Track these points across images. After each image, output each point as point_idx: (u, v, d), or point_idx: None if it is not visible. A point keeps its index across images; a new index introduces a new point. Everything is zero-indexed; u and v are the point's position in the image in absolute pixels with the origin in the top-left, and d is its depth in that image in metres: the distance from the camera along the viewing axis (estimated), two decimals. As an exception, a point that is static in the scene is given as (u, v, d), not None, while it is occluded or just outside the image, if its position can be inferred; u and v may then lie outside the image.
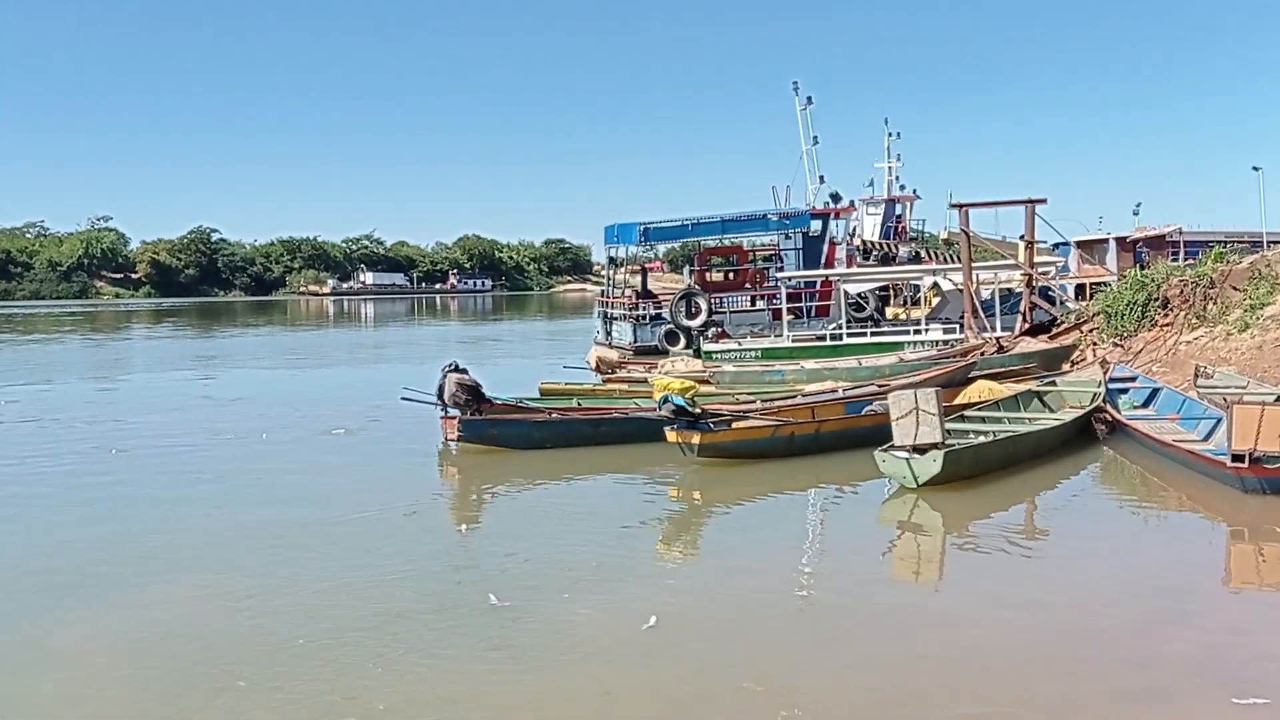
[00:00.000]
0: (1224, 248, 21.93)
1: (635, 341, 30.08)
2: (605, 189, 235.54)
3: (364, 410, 19.08)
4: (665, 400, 12.86)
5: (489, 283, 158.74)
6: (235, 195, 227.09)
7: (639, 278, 34.47)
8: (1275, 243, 26.85)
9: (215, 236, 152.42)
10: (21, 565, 9.25)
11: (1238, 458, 10.21)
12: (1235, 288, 17.82)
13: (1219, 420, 12.13)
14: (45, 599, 8.21)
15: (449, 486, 13.62)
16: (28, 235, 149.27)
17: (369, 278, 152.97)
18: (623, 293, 33.67)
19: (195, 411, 20.23)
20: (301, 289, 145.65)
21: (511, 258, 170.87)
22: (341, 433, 16.70)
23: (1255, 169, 36.23)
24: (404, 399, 15.28)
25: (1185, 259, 26.73)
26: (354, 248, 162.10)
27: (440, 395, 14.75)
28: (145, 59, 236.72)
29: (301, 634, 7.23)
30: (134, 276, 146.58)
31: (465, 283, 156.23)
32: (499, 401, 15.25)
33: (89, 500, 12.04)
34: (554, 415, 15.25)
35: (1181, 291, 18.58)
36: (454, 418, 14.58)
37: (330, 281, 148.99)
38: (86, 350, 42.63)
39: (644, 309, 31.20)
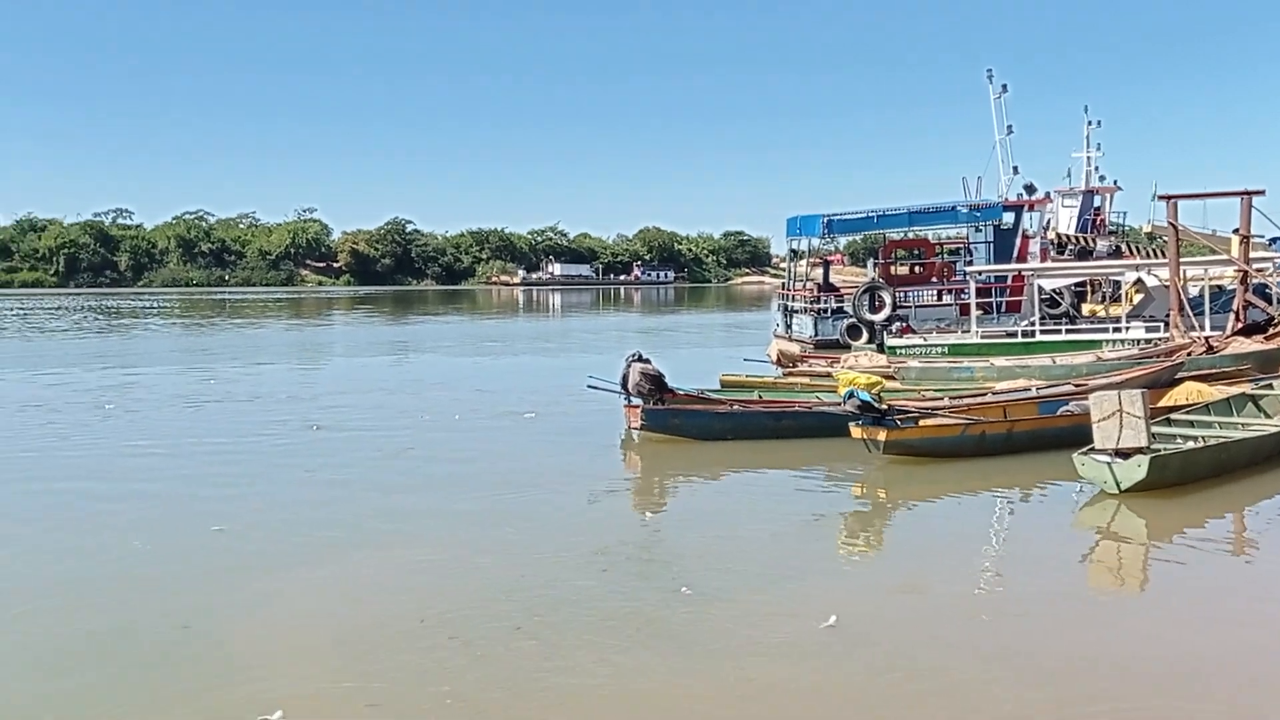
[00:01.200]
0: None
1: (816, 335, 29.77)
2: (784, 181, 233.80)
3: (550, 397, 19.57)
4: (850, 395, 12.65)
5: (671, 274, 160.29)
6: (428, 188, 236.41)
7: (820, 270, 34.06)
8: None
9: (409, 228, 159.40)
10: (245, 534, 9.92)
11: None
12: None
13: None
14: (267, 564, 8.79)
15: (632, 474, 13.81)
16: (241, 225, 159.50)
17: (556, 269, 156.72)
18: (804, 285, 33.36)
19: (391, 394, 21.20)
20: (492, 279, 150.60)
21: (690, 250, 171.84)
22: (532, 416, 17.28)
23: None
24: (589, 387, 15.59)
25: None
26: (539, 239, 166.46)
27: (624, 384, 14.97)
28: (336, 50, 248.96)
29: (483, 612, 7.48)
30: (335, 265, 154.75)
31: (648, 274, 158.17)
32: (681, 392, 15.36)
33: (295, 479, 12.79)
34: (735, 407, 15.25)
35: None
36: (637, 406, 14.77)
37: (520, 272, 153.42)
38: (290, 334, 45.29)
39: (826, 302, 30.84)
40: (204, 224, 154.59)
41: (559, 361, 30.57)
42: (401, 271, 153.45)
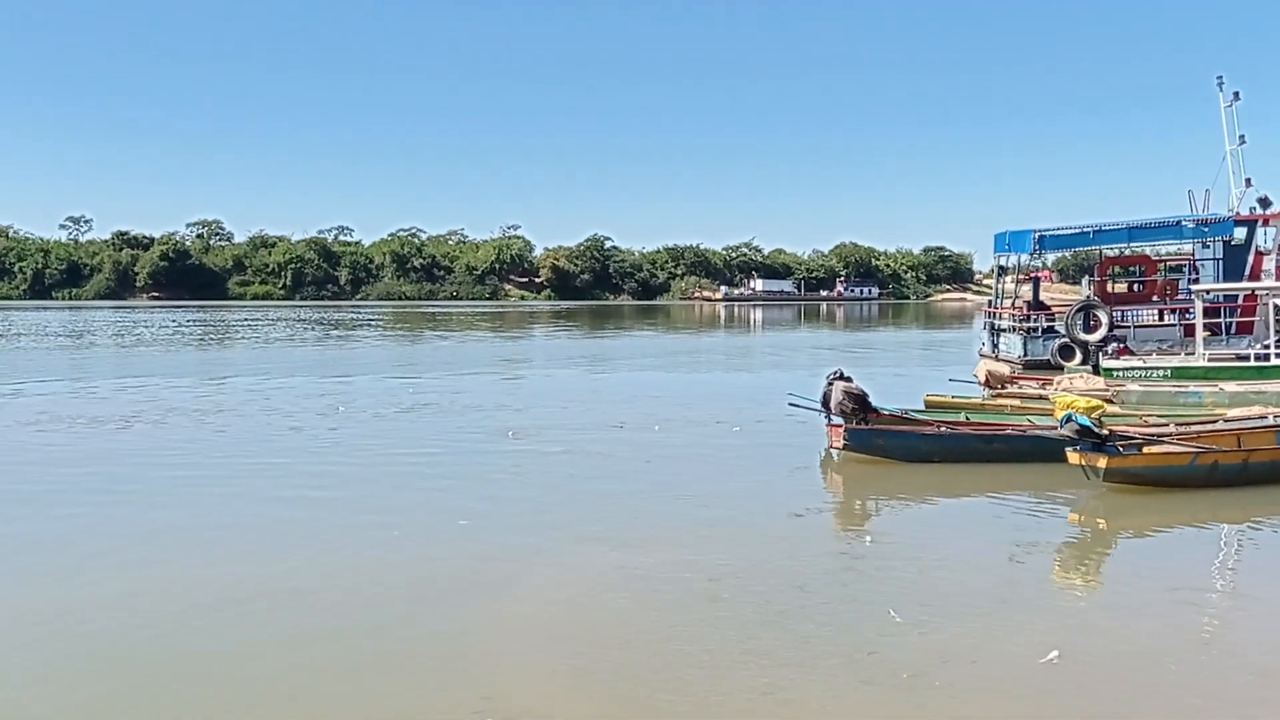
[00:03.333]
0: None
1: (1025, 355, 28.64)
2: (988, 195, 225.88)
3: (750, 414, 19.57)
4: (1068, 419, 12.12)
5: (876, 290, 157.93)
6: (626, 205, 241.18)
7: (1029, 287, 32.79)
8: None
9: (608, 244, 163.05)
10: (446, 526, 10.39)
11: None
12: None
13: None
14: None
15: (834, 494, 13.65)
16: (450, 242, 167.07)
17: (758, 284, 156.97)
18: (1012, 303, 32.18)
19: (588, 404, 21.69)
20: (694, 294, 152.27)
21: (888, 265, 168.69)
22: (738, 430, 17.47)
23: None
24: (791, 405, 15.50)
25: None
26: (733, 255, 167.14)
27: (825, 403, 14.83)
28: (548, 63, 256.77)
29: (686, 628, 7.55)
30: (537, 280, 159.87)
31: (851, 290, 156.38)
32: (885, 412, 15.08)
33: (493, 483, 13.28)
34: (943, 428, 14.86)
35: None
36: (840, 426, 14.59)
37: (723, 288, 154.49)
38: (496, 345, 46.98)
39: (1036, 321, 29.65)
40: (416, 240, 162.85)
41: (757, 378, 30.55)
42: (599, 287, 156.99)
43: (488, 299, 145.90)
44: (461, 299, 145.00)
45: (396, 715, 6.19)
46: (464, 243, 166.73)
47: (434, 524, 11.01)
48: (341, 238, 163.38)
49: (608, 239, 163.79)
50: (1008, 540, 10.53)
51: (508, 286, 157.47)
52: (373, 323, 72.87)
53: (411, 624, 7.77)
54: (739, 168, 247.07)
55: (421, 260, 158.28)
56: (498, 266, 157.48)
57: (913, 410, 16.22)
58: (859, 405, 14.62)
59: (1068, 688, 6.51)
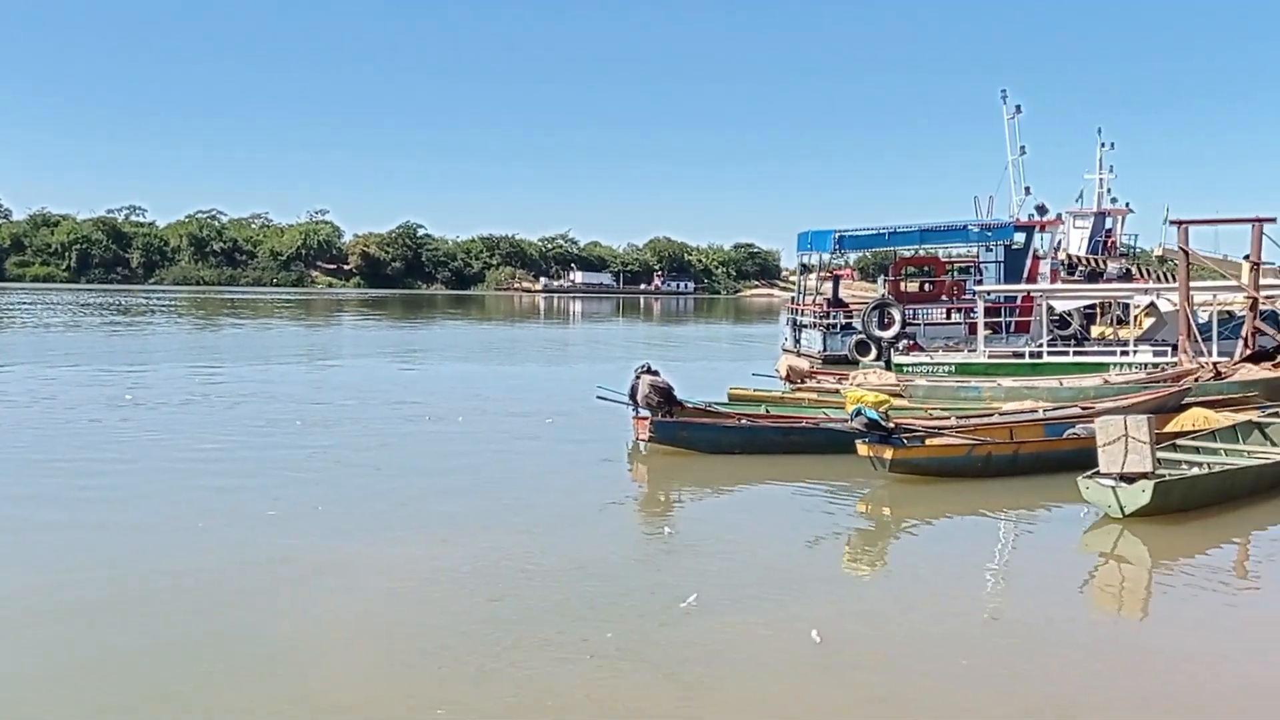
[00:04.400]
0: None
1: (825, 350, 29.92)
2: (794, 193, 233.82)
3: (559, 405, 19.67)
4: (858, 412, 12.73)
5: (691, 285, 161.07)
6: (439, 193, 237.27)
7: (830, 285, 34.24)
8: None
9: (420, 232, 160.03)
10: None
11: None
12: None
13: None
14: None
15: (639, 485, 13.90)
16: (253, 225, 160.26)
17: (578, 276, 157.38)
18: (813, 300, 33.52)
19: (400, 395, 21.31)
20: (513, 285, 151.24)
21: (700, 261, 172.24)
22: (550, 422, 17.56)
23: None
24: (599, 398, 15.70)
25: None
26: (550, 246, 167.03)
27: (633, 396, 15.08)
28: (356, 52, 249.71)
29: (481, 621, 7.57)
30: (345, 267, 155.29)
31: (669, 284, 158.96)
32: (690, 405, 15.45)
33: (293, 480, 12.92)
34: (744, 421, 15.34)
35: None
36: (646, 418, 14.87)
37: (542, 279, 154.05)
38: (302, 335, 45.49)
39: (835, 317, 30.99)
40: (216, 223, 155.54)
41: (571, 370, 30.70)
42: (411, 275, 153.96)
43: (293, 286, 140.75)
44: (265, 285, 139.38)
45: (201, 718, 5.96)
46: (268, 227, 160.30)
47: (237, 518, 10.61)
48: (134, 218, 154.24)
49: (421, 226, 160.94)
50: (799, 529, 10.99)
51: (314, 273, 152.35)
52: (166, 308, 69.22)
53: (213, 622, 7.46)
54: (556, 160, 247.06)
55: (222, 244, 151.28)
56: (304, 252, 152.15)
57: (716, 403, 16.69)
58: (664, 398, 14.92)
59: (840, 669, 6.81)
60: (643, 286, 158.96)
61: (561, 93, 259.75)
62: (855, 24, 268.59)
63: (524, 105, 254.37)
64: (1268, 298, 24.45)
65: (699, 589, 8.33)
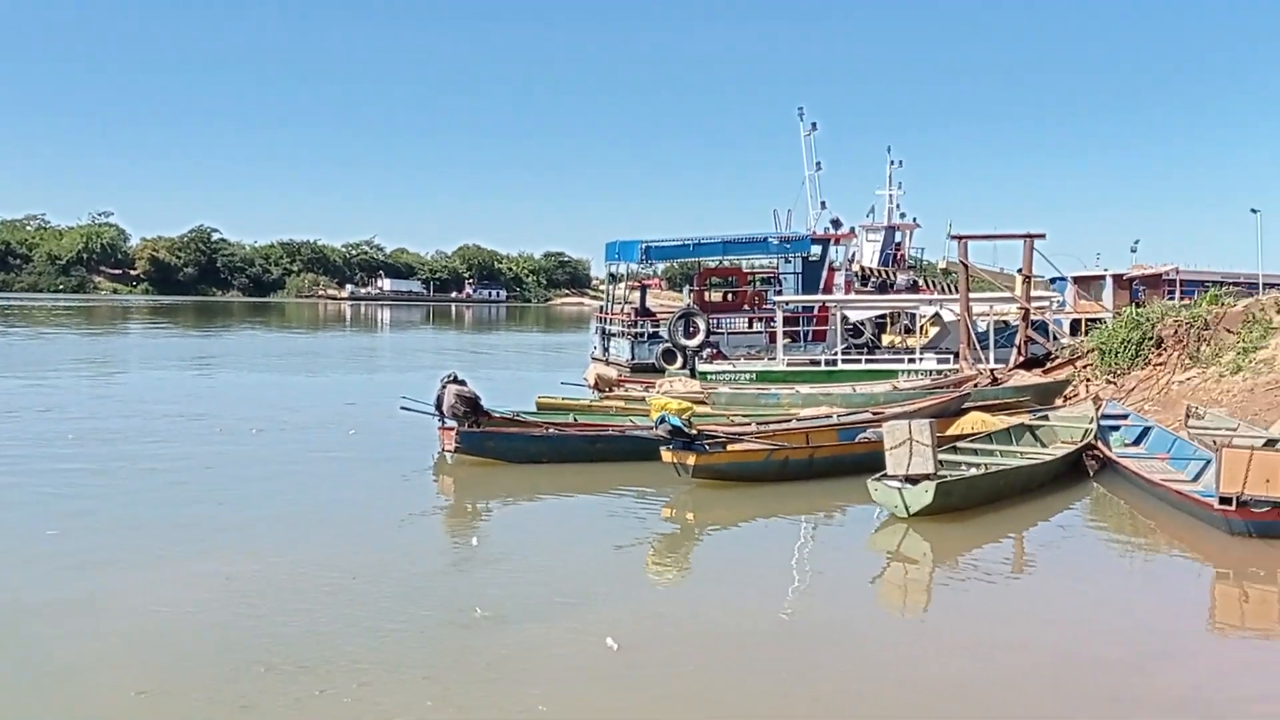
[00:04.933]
0: (1220, 290, 22.14)
1: (633, 359, 30.27)
2: (605, 203, 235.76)
3: (366, 416, 19.22)
4: (662, 420, 12.98)
5: (504, 293, 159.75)
6: (236, 196, 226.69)
7: (638, 294, 34.70)
8: (1271, 286, 27.09)
9: (215, 236, 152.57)
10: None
11: (1225, 500, 10.34)
12: (1229, 330, 18.02)
13: (1208, 462, 12.28)
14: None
15: (444, 497, 13.68)
16: (28, 227, 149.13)
17: (386, 284, 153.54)
18: (621, 309, 33.89)
19: (191, 408, 20.29)
20: (318, 292, 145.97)
21: (511, 269, 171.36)
22: (353, 433, 17.12)
23: (1253, 211, 36.65)
24: (403, 409, 15.39)
25: (1181, 299, 26.97)
26: (354, 253, 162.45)
27: (439, 406, 14.86)
28: (146, 49, 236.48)
29: (272, 637, 7.33)
30: (133, 273, 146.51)
31: (480, 292, 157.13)
32: (497, 414, 15.35)
33: (80, 492, 12.11)
34: (551, 430, 15.36)
35: (1176, 332, 18.77)
36: (452, 429, 14.68)
37: (349, 286, 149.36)
38: (82, 345, 42.62)
39: (642, 326, 31.40)
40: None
41: (376, 380, 29.98)
42: (205, 281, 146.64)
43: (73, 291, 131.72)
44: (41, 291, 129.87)
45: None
46: (45, 229, 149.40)
47: (13, 537, 9.91)
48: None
49: (215, 230, 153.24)
50: (605, 536, 11.08)
51: (98, 279, 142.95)
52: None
53: None
54: (360, 164, 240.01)
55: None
56: (86, 257, 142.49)
57: (525, 412, 16.65)
58: (471, 408, 14.77)
59: (636, 673, 6.91)
60: (454, 294, 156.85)
61: (362, 95, 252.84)
62: (660, 39, 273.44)
63: (326, 107, 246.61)
64: (1038, 308, 26.28)
65: (502, 599, 8.30)
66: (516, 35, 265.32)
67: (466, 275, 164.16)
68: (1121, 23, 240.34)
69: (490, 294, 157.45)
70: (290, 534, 10.46)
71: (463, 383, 15.05)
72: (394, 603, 8.21)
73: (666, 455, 13.11)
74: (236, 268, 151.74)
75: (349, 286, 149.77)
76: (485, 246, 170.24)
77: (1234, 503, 10.27)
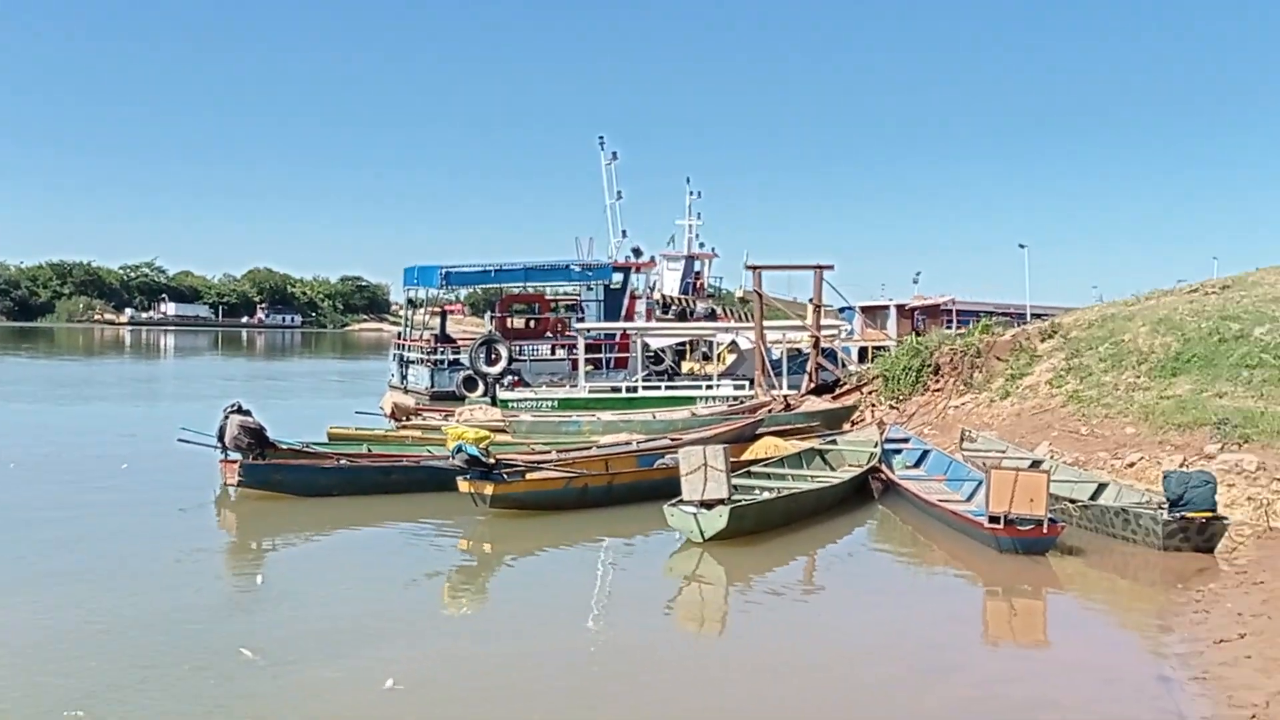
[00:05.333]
0: (990, 320, 23.65)
1: (432, 387, 29.67)
2: (406, 227, 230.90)
3: (142, 448, 18.05)
4: (459, 449, 12.74)
5: (298, 318, 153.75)
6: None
7: (439, 320, 34.12)
8: (1037, 316, 29.14)
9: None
10: None
11: (994, 519, 10.97)
12: (999, 358, 19.23)
13: (980, 482, 13.01)
14: None
15: (225, 534, 12.96)
16: None
17: (170, 308, 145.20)
18: (421, 335, 33.22)
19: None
20: (96, 317, 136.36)
21: (305, 293, 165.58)
22: (126, 467, 16.12)
23: (1021, 246, 39.41)
24: (181, 440, 14.52)
25: (958, 328, 28.67)
26: (133, 275, 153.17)
27: (221, 437, 14.11)
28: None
29: (38, 681, 6.73)
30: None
31: (273, 317, 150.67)
32: (284, 446, 14.70)
33: None
34: (342, 461, 14.83)
35: (952, 359, 19.90)
36: (235, 461, 13.95)
37: (128, 311, 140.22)
38: None
39: (442, 353, 30.86)
40: None
41: (154, 410, 28.25)
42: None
43: None
44: None
45: None
46: None
47: None
48: None
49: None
50: (397, 570, 10.71)
51: None
52: None
53: None
54: (136, 184, 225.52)
55: None
56: None
57: (315, 443, 16.01)
58: (256, 439, 14.08)
59: (413, 714, 6.67)
60: (245, 320, 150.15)
61: (143, 114, 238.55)
62: (459, 64, 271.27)
63: (103, 125, 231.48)
64: (828, 336, 27.38)
65: (282, 640, 7.90)
66: (313, 57, 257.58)
67: (258, 300, 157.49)
68: (899, 74, 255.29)
69: (284, 319, 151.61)
70: (51, 577, 9.64)
71: (247, 413, 14.34)
72: (161, 648, 7.68)
73: (463, 485, 12.87)
74: (1, 290, 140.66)
75: (129, 311, 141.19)
76: (277, 270, 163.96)
77: (1001, 521, 10.90)
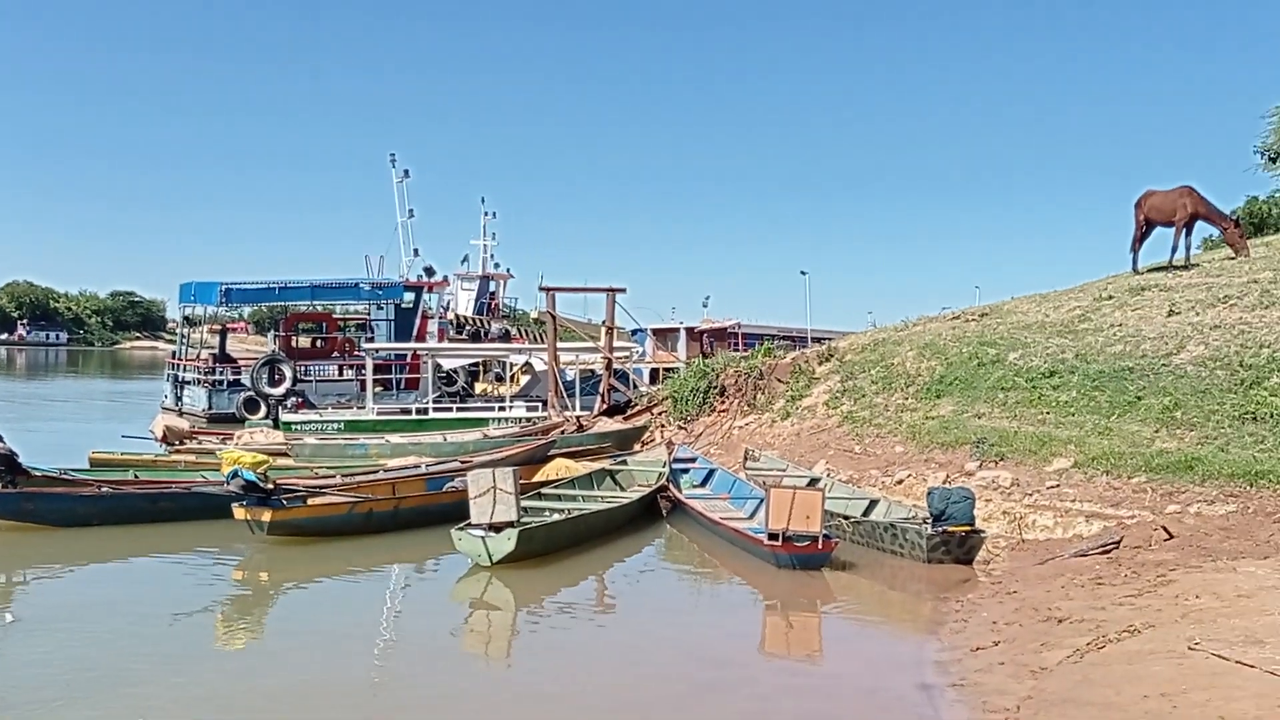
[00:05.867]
0: (774, 343, 24.58)
1: (210, 408, 28.41)
2: (183, 242, 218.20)
3: None
4: (234, 474, 12.19)
5: (64, 335, 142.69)
6: None
7: (219, 339, 32.71)
8: (817, 340, 30.46)
9: None
10: None
11: (773, 536, 11.37)
12: (780, 380, 19.99)
13: (761, 500, 13.46)
14: None
15: (-32, 570, 11.90)
16: None
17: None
18: (198, 355, 31.70)
19: None
20: None
21: (70, 309, 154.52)
22: None
23: (803, 273, 41.30)
24: (-84, 469, 13.25)
25: (744, 350, 29.64)
26: None
27: (-36, 465, 12.98)
28: None
29: None
30: None
31: (35, 334, 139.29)
32: (38, 473, 13.66)
33: None
34: (105, 489, 13.87)
35: (736, 381, 20.54)
36: (-20, 491, 12.85)
37: None
38: None
39: (222, 373, 29.55)
40: None
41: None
42: None
43: None
44: None
45: None
46: None
47: None
48: None
49: None
50: (165, 604, 10.08)
51: None
52: None
53: None
54: None
55: None
56: None
57: (75, 469, 14.93)
58: (6, 466, 13.04)
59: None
60: (4, 336, 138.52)
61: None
62: (249, 69, 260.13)
63: None
64: (620, 358, 27.74)
65: (21, 686, 7.30)
66: (66, 46, 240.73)
67: (16, 315, 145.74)
68: (690, 102, 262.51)
69: (48, 336, 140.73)
70: None
71: (-1, 438, 13.26)
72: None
73: (239, 512, 12.32)
74: None
75: None
76: (39, 283, 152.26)
77: (780, 538, 11.32)
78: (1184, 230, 19.93)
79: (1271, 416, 12.44)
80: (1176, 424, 13.15)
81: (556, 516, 13.15)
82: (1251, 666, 6.39)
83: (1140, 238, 20.63)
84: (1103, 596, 9.11)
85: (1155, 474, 12.12)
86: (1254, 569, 9.30)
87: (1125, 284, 19.55)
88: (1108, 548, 10.82)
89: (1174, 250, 20.11)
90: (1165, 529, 10.94)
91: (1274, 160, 29.21)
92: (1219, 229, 20.57)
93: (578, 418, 22.43)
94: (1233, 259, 19.81)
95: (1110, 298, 18.62)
